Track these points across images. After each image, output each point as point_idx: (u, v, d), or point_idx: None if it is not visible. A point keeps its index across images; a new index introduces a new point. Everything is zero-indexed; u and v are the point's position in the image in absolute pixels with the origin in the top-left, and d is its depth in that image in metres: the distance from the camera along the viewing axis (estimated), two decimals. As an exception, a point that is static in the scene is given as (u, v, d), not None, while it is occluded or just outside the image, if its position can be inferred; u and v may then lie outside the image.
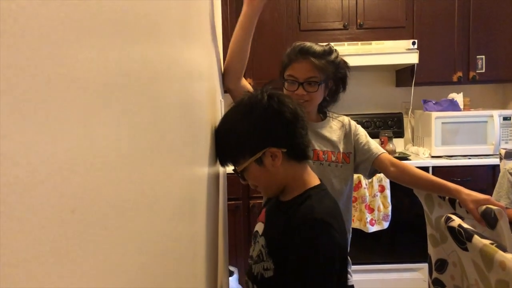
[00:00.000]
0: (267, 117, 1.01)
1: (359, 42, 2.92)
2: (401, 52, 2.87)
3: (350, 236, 1.48)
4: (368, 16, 2.99)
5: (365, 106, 3.30)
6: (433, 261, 1.45)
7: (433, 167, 2.77)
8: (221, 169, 1.58)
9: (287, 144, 1.01)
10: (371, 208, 2.70)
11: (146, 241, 0.48)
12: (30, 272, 0.23)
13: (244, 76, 2.91)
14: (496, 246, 1.01)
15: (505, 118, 2.86)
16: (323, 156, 1.43)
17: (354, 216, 2.66)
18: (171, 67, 0.65)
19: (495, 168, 2.72)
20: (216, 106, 1.46)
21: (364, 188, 2.68)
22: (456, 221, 1.20)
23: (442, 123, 2.89)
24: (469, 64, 3.00)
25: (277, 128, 1.01)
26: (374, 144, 1.50)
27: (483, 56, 3.00)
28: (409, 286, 2.77)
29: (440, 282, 1.42)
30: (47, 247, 0.25)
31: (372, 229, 2.69)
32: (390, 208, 2.70)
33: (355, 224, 2.67)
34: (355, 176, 1.63)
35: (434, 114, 2.89)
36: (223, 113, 1.77)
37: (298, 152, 1.04)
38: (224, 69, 1.44)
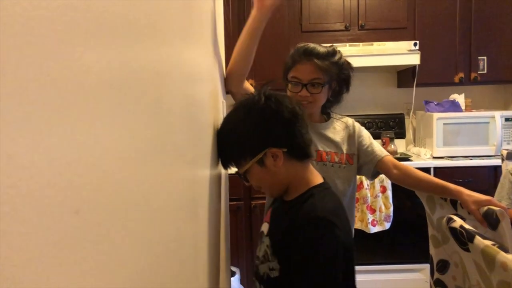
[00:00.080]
0: (265, 118, 1.01)
1: (361, 43, 2.92)
2: (403, 53, 2.87)
3: (353, 236, 1.48)
4: (369, 17, 2.98)
5: (366, 107, 3.30)
6: (435, 262, 1.45)
7: (435, 168, 2.77)
8: (223, 170, 1.58)
9: (288, 144, 1.01)
10: (373, 208, 2.70)
11: (149, 242, 0.48)
12: (34, 273, 0.23)
13: (246, 77, 2.89)
14: (497, 247, 1.01)
15: (507, 119, 2.85)
16: (327, 157, 1.43)
17: (355, 217, 2.66)
18: (173, 68, 0.65)
19: (496, 169, 2.72)
20: (218, 107, 1.46)
21: (366, 188, 2.68)
22: (458, 222, 1.20)
23: (444, 124, 2.89)
24: (471, 65, 3.00)
25: (276, 128, 1.01)
26: (378, 147, 1.50)
27: (485, 57, 2.99)
28: (411, 287, 2.77)
29: (441, 283, 1.41)
30: (51, 248, 0.25)
31: (374, 229, 2.69)
32: (391, 208, 2.70)
33: (357, 225, 2.67)
34: (357, 177, 1.63)
35: (436, 115, 2.89)
36: (225, 114, 1.77)
37: (299, 151, 1.04)
38: (227, 72, 1.43)
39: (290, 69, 1.41)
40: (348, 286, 1.01)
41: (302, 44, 1.42)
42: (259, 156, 1.01)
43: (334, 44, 1.46)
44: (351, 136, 1.49)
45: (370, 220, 2.68)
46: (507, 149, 2.29)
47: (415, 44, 2.87)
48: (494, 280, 1.00)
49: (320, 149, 1.42)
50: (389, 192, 2.70)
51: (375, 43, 2.91)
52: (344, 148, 1.46)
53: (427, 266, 2.71)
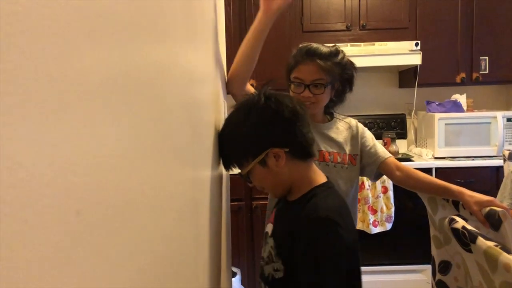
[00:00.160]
0: (266, 118, 1.01)
1: (362, 43, 2.91)
2: (404, 53, 2.87)
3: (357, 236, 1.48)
4: (371, 17, 2.98)
5: (368, 107, 3.29)
6: (437, 263, 1.44)
7: (436, 169, 2.76)
8: (224, 170, 1.57)
9: (289, 143, 1.01)
10: (374, 209, 2.69)
11: (150, 243, 0.48)
12: (35, 274, 0.23)
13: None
14: (500, 248, 1.01)
15: (508, 119, 2.84)
16: (329, 157, 1.42)
17: (357, 217, 2.66)
18: (175, 68, 0.65)
19: (498, 170, 2.71)
20: (219, 107, 1.46)
21: (367, 189, 2.68)
22: (460, 223, 1.20)
23: (445, 124, 2.88)
24: (473, 65, 2.99)
25: (277, 128, 1.01)
26: (381, 148, 1.50)
27: (487, 57, 2.99)
28: (412, 288, 2.77)
29: (443, 284, 1.41)
30: (52, 249, 0.25)
31: (375, 230, 2.69)
32: (393, 209, 2.69)
33: (358, 226, 2.67)
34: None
35: (437, 115, 2.88)
36: (226, 114, 1.77)
37: (301, 150, 1.03)
38: (230, 75, 1.42)
39: (292, 70, 1.40)
40: (354, 286, 1.01)
41: (304, 44, 1.41)
42: (261, 157, 1.00)
43: (336, 44, 1.46)
44: (354, 137, 1.49)
45: (371, 221, 2.68)
46: (509, 150, 2.29)
47: (416, 44, 2.87)
48: (497, 281, 1.00)
49: (323, 149, 1.42)
50: (391, 193, 2.69)
51: (376, 43, 2.91)
52: (347, 148, 1.46)
53: (428, 267, 2.71)
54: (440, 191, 1.36)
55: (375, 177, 1.51)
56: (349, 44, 2.89)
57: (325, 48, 1.38)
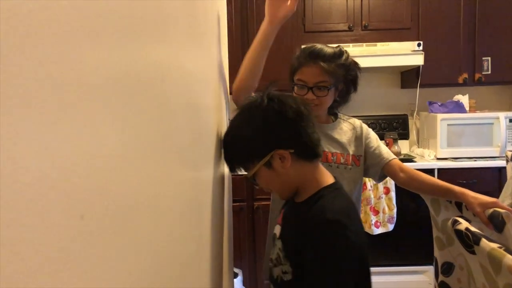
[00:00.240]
0: (269, 119, 1.00)
1: (364, 44, 2.91)
2: (406, 53, 2.86)
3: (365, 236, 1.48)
4: (373, 17, 2.98)
5: (370, 107, 3.29)
6: (439, 264, 1.44)
7: (439, 169, 2.76)
8: (226, 171, 1.57)
9: (294, 144, 1.00)
10: (376, 210, 2.69)
11: (153, 245, 0.47)
12: (40, 278, 0.23)
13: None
14: (504, 250, 1.00)
15: (511, 120, 2.84)
16: (332, 158, 1.42)
17: (359, 218, 2.65)
18: (177, 68, 0.65)
19: (501, 170, 2.70)
20: (221, 108, 1.46)
21: (369, 190, 2.67)
22: (463, 224, 1.19)
23: (448, 125, 2.88)
24: (475, 65, 2.99)
25: (281, 129, 1.00)
26: (385, 149, 1.49)
27: (489, 58, 2.98)
28: (414, 289, 2.76)
29: (446, 286, 1.40)
30: (57, 253, 0.25)
31: (377, 231, 2.68)
32: (395, 210, 2.69)
33: (360, 226, 2.66)
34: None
35: (440, 116, 2.88)
36: (228, 114, 1.77)
37: (307, 151, 1.02)
38: (237, 84, 1.38)
39: (296, 71, 1.40)
40: (365, 287, 1.00)
41: (308, 45, 1.40)
42: (266, 159, 0.99)
43: (340, 45, 1.45)
44: (358, 138, 1.48)
45: (373, 222, 2.67)
46: (511, 150, 2.28)
47: (419, 45, 2.86)
48: (501, 283, 0.99)
49: (326, 150, 1.42)
50: (393, 194, 2.69)
51: (378, 44, 2.90)
52: (351, 149, 1.46)
53: (430, 268, 2.71)
54: (443, 193, 1.36)
55: (379, 178, 1.51)
56: (351, 44, 2.89)
57: (329, 49, 1.37)
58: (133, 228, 0.39)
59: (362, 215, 2.68)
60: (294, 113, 0.99)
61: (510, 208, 1.22)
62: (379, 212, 2.68)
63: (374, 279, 1.03)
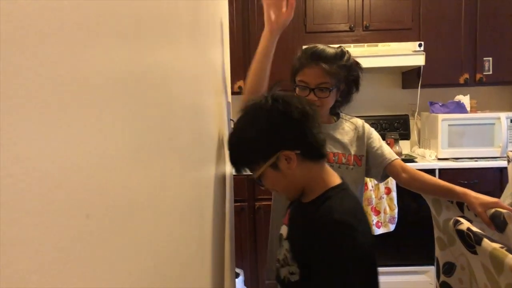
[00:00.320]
0: (274, 121, 0.99)
1: (365, 44, 2.91)
2: (408, 54, 2.86)
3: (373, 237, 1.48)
4: (374, 17, 2.97)
5: (371, 108, 3.28)
6: (441, 264, 1.43)
7: (440, 170, 2.75)
8: (227, 171, 1.57)
9: (300, 145, 0.99)
10: (377, 210, 2.69)
11: (156, 244, 0.47)
12: (46, 277, 0.23)
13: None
14: (506, 250, 1.00)
15: (512, 120, 2.83)
16: (334, 158, 1.42)
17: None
18: (180, 69, 0.65)
19: (502, 171, 2.70)
20: (222, 108, 1.46)
21: (370, 190, 2.67)
22: (465, 224, 1.19)
23: (449, 125, 2.87)
24: (476, 66, 2.98)
25: (286, 130, 0.99)
26: (388, 150, 1.49)
27: (490, 58, 2.97)
28: (416, 289, 2.76)
29: (448, 286, 1.40)
30: (62, 252, 0.25)
31: (378, 231, 2.68)
32: (396, 210, 2.69)
33: (361, 227, 2.66)
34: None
35: (441, 116, 2.87)
36: (230, 115, 1.77)
37: (313, 151, 1.01)
38: (247, 89, 1.41)
39: (297, 72, 1.40)
40: (373, 287, 0.99)
41: (310, 46, 1.40)
42: (272, 160, 0.99)
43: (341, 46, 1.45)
44: (360, 138, 1.48)
45: (374, 222, 2.67)
46: (513, 151, 2.28)
47: (420, 45, 2.86)
48: (503, 283, 0.99)
49: (328, 150, 1.42)
50: (394, 194, 2.69)
51: (379, 44, 2.90)
52: (352, 149, 1.46)
53: (432, 268, 2.70)
54: (445, 193, 1.36)
55: (382, 178, 1.51)
56: (352, 45, 2.89)
57: (331, 49, 1.37)
58: (136, 228, 0.40)
59: (363, 215, 2.68)
60: (299, 114, 0.98)
61: (511, 208, 1.22)
62: (380, 212, 2.68)
63: (375, 279, 1.03)
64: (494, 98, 3.32)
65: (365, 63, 1.49)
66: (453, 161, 2.84)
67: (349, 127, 1.50)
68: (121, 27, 0.36)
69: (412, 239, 2.77)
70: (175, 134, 0.59)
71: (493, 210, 1.21)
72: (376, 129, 3.14)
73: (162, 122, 0.51)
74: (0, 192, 0.19)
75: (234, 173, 1.15)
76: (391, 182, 2.68)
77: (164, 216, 0.51)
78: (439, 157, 2.89)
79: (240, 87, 2.93)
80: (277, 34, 1.35)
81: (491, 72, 2.98)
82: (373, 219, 2.67)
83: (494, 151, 2.84)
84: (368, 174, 1.51)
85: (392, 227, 2.69)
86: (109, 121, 0.33)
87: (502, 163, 2.70)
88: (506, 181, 2.02)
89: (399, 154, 2.91)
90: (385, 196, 2.69)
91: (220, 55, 1.42)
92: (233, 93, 2.54)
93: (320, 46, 1.38)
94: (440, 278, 1.44)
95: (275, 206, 1.57)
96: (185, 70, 0.70)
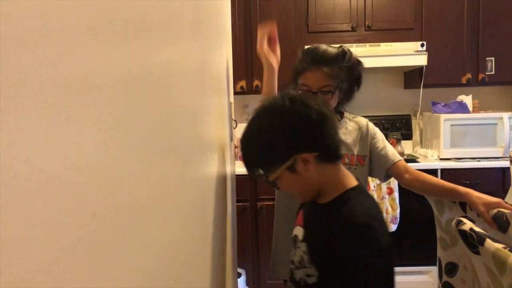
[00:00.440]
0: (293, 123, 0.96)
1: (367, 44, 2.91)
2: (410, 54, 2.86)
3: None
4: (376, 17, 2.97)
5: (373, 108, 3.28)
6: (443, 264, 1.43)
7: (442, 170, 2.75)
8: (229, 171, 1.57)
9: (318, 147, 0.97)
10: (379, 210, 2.68)
11: (160, 244, 0.48)
12: (51, 277, 0.23)
13: (252, 78, 2.89)
14: (509, 250, 1.00)
15: (515, 120, 2.83)
16: None
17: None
18: (182, 69, 0.65)
19: (504, 171, 2.70)
20: (225, 108, 1.46)
21: (372, 190, 2.67)
22: (468, 225, 1.19)
23: (451, 125, 2.87)
24: (479, 66, 2.98)
25: (305, 132, 0.96)
26: (391, 150, 1.49)
27: (493, 58, 2.97)
28: (418, 289, 2.75)
29: (450, 286, 1.40)
30: (69, 251, 0.25)
31: (380, 231, 2.67)
32: (398, 210, 2.68)
33: (363, 227, 2.65)
34: (364, 178, 1.62)
35: (443, 116, 2.87)
36: (232, 115, 1.77)
37: (330, 153, 0.99)
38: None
39: (299, 76, 1.39)
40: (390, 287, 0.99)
41: (310, 48, 1.39)
42: (289, 163, 0.96)
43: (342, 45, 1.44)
44: (364, 137, 1.48)
45: (376, 222, 2.66)
46: (515, 151, 2.27)
47: (422, 45, 2.85)
48: (506, 284, 0.99)
49: None
50: (396, 194, 2.68)
51: (382, 44, 2.90)
52: (355, 149, 1.46)
53: (434, 269, 2.70)
54: (448, 193, 1.35)
55: (385, 178, 1.51)
56: (354, 44, 2.89)
57: (331, 50, 1.36)
58: (141, 227, 0.40)
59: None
60: (318, 116, 0.96)
61: (513, 208, 1.22)
62: (382, 212, 2.68)
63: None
64: (496, 98, 3.31)
65: (367, 63, 1.49)
66: (455, 161, 2.84)
67: (353, 127, 1.49)
68: (122, 27, 0.36)
69: (414, 239, 2.76)
70: (177, 134, 0.59)
71: (495, 210, 1.21)
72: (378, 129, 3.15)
73: (164, 121, 0.51)
74: (6, 192, 0.19)
75: (246, 174, 1.12)
76: (393, 182, 2.67)
77: (167, 216, 0.52)
78: (441, 157, 2.89)
79: (242, 87, 2.93)
80: (275, 72, 1.43)
81: (493, 72, 2.97)
82: (375, 219, 2.66)
83: (497, 151, 2.83)
84: (371, 174, 1.51)
85: (394, 227, 2.69)
86: (112, 120, 0.33)
87: (504, 163, 2.69)
88: (509, 181, 2.02)
89: (401, 154, 2.90)
90: (387, 196, 2.68)
91: (222, 55, 1.42)
92: (235, 93, 2.54)
93: (321, 48, 1.37)
94: (442, 278, 1.44)
95: (278, 207, 1.57)
96: (187, 70, 0.70)
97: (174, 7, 0.58)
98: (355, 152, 1.45)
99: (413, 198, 2.66)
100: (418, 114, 3.22)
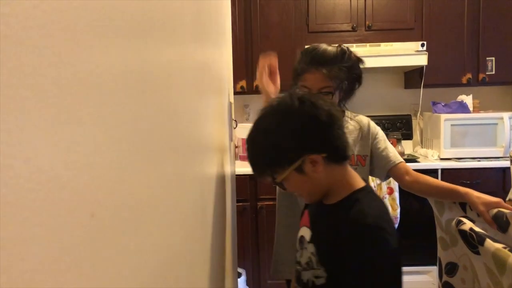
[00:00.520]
0: (302, 124, 0.95)
1: (368, 44, 2.91)
2: (410, 54, 2.86)
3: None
4: (376, 17, 2.97)
5: (373, 108, 3.28)
6: (443, 264, 1.43)
7: (442, 170, 2.75)
8: (229, 171, 1.58)
9: (326, 148, 0.96)
10: (380, 210, 2.68)
11: (160, 244, 0.48)
12: (49, 275, 0.23)
13: (252, 78, 2.89)
14: (509, 250, 1.00)
15: (515, 120, 2.83)
16: None
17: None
18: (182, 69, 0.65)
19: (505, 171, 2.69)
20: (225, 108, 1.46)
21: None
22: (468, 225, 1.19)
23: (451, 125, 2.87)
24: (479, 65, 2.98)
25: (314, 133, 0.95)
26: (393, 152, 1.48)
27: (493, 58, 2.97)
28: (418, 289, 2.75)
29: (450, 286, 1.40)
30: (68, 251, 0.25)
31: (381, 231, 2.67)
32: (398, 210, 2.68)
33: (363, 227, 2.65)
34: (364, 178, 1.62)
35: (443, 116, 2.87)
36: (232, 115, 1.77)
37: (339, 154, 0.99)
38: None
39: (299, 77, 1.38)
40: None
41: (309, 49, 1.38)
42: (297, 164, 0.95)
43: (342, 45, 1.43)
44: (365, 137, 1.48)
45: (376, 222, 2.66)
46: (515, 151, 2.27)
47: (422, 45, 2.85)
48: (506, 284, 0.99)
49: None
50: (396, 194, 2.68)
51: (382, 44, 2.90)
52: (356, 149, 1.45)
53: (434, 269, 2.70)
54: (448, 194, 1.35)
55: (385, 178, 1.51)
56: (354, 44, 2.89)
57: (330, 50, 1.35)
58: (140, 227, 0.40)
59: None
60: (327, 117, 0.95)
61: (512, 207, 1.21)
62: (382, 212, 2.68)
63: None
64: (497, 98, 3.31)
65: (367, 63, 1.48)
66: (456, 161, 2.84)
67: (353, 126, 1.49)
68: (122, 27, 0.36)
69: (415, 239, 2.76)
70: (176, 134, 0.59)
71: (495, 210, 1.21)
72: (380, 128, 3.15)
73: (163, 121, 0.51)
74: (6, 192, 0.19)
75: (252, 175, 1.10)
76: (394, 182, 2.67)
77: (167, 216, 0.52)
78: (442, 157, 2.89)
79: (242, 87, 2.93)
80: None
81: (494, 72, 2.97)
82: (376, 219, 2.66)
83: (497, 151, 2.83)
84: (371, 174, 1.51)
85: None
86: (112, 120, 0.33)
87: (504, 163, 2.69)
88: (509, 181, 2.02)
89: (401, 154, 2.91)
90: (387, 196, 2.68)
91: (223, 55, 1.42)
92: (235, 93, 2.54)
93: (320, 49, 1.36)
94: (442, 278, 1.44)
95: (279, 206, 1.57)
96: (187, 70, 0.70)
97: (174, 7, 0.58)
98: (356, 152, 1.45)
99: (413, 198, 2.66)
100: (418, 114, 3.22)
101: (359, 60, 1.40)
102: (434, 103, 3.01)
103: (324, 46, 1.37)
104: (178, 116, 0.60)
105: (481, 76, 2.98)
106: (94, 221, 0.28)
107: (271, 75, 1.44)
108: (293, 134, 0.95)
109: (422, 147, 3.23)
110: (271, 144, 0.97)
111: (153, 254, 0.45)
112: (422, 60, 2.86)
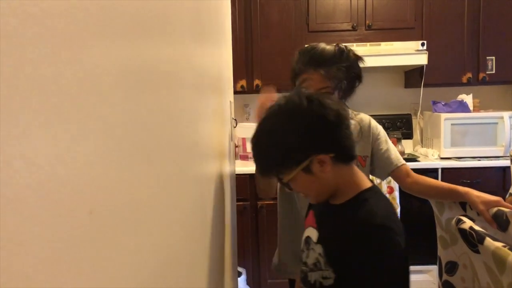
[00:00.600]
0: (310, 123, 0.94)
1: (368, 43, 2.91)
2: (410, 53, 2.86)
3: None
4: (376, 17, 2.97)
5: (373, 107, 3.28)
6: (443, 263, 1.43)
7: (442, 169, 2.74)
8: (229, 170, 1.58)
9: (334, 148, 0.95)
10: (380, 209, 2.68)
11: (159, 243, 0.48)
12: (48, 273, 0.23)
13: (252, 78, 2.89)
14: (508, 249, 1.00)
15: (515, 120, 2.83)
16: None
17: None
18: (183, 69, 0.65)
19: (505, 170, 2.69)
20: (225, 107, 1.46)
21: (373, 189, 2.67)
22: (467, 223, 1.19)
23: (452, 124, 2.87)
24: (479, 65, 2.98)
25: (322, 133, 0.95)
26: (395, 153, 1.47)
27: (493, 57, 2.97)
28: (418, 289, 2.75)
29: (450, 285, 1.40)
30: (66, 248, 0.25)
31: (381, 230, 2.67)
32: (399, 209, 2.68)
33: (364, 226, 2.65)
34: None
35: (443, 115, 2.87)
36: (232, 114, 1.77)
37: (346, 154, 0.98)
38: None
39: (297, 77, 1.36)
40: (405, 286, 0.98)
41: (307, 49, 1.37)
42: (305, 164, 0.94)
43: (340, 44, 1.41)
44: (365, 137, 1.46)
45: (377, 221, 2.66)
46: (516, 150, 2.27)
47: (422, 44, 2.85)
48: (505, 282, 0.99)
49: None
50: (396, 193, 2.68)
51: (382, 43, 2.90)
52: (356, 149, 1.45)
53: (434, 268, 2.70)
54: (448, 194, 1.35)
55: (385, 178, 1.51)
56: (354, 44, 2.88)
57: (328, 50, 1.33)
58: (139, 225, 0.40)
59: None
60: (335, 116, 0.94)
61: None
62: (382, 211, 2.68)
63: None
64: (497, 97, 3.31)
65: (367, 62, 1.47)
66: (456, 160, 2.84)
67: (354, 126, 1.48)
68: (122, 26, 0.36)
69: (415, 238, 2.75)
70: (176, 133, 0.59)
71: (495, 209, 1.21)
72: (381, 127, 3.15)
73: (163, 121, 0.51)
74: (6, 192, 0.19)
75: (260, 174, 1.08)
76: (394, 182, 2.67)
77: (167, 215, 0.52)
78: (442, 156, 2.89)
79: (242, 86, 2.93)
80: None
81: (494, 71, 2.97)
82: (376, 218, 2.66)
83: (497, 150, 2.83)
84: (372, 173, 1.50)
85: (394, 227, 2.69)
86: (112, 120, 0.33)
87: (505, 162, 2.69)
88: (509, 180, 2.02)
89: (401, 153, 2.90)
90: (387, 195, 2.68)
91: (223, 54, 1.42)
92: (235, 92, 2.54)
93: (318, 49, 1.34)
94: (442, 277, 1.44)
95: (280, 206, 1.56)
96: (187, 70, 0.70)
97: (174, 7, 0.58)
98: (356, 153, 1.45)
99: (413, 197, 2.64)
100: (418, 113, 3.22)
101: (358, 58, 1.38)
102: (434, 103, 3.01)
103: (322, 45, 1.35)
104: (178, 116, 0.60)
105: (481, 75, 2.98)
106: (93, 220, 0.28)
107: None
108: (302, 134, 0.94)
109: (422, 147, 3.23)
110: (278, 144, 0.96)
111: (153, 253, 0.45)
112: (422, 59, 2.86)
